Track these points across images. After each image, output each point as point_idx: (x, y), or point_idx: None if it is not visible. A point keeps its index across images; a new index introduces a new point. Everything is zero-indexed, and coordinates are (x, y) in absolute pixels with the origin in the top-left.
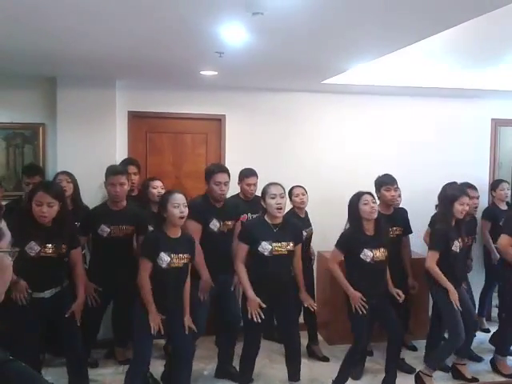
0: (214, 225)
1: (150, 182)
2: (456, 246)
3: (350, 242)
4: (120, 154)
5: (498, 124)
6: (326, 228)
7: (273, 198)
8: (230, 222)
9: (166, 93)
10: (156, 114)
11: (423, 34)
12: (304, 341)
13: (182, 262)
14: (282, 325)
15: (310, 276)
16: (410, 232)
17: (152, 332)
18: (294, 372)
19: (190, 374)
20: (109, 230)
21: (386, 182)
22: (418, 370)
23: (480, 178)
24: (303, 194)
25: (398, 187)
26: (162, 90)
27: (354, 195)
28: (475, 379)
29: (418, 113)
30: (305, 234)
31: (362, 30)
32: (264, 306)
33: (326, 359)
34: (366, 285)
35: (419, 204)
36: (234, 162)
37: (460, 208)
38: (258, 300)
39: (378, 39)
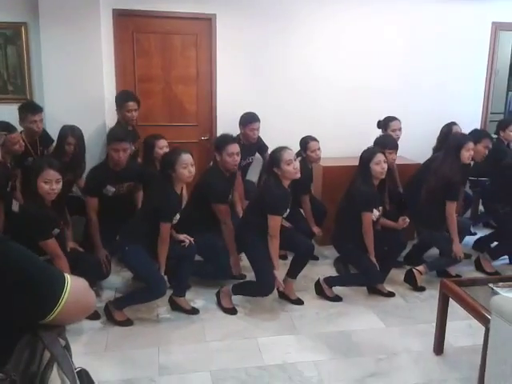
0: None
1: (156, 141)
2: (462, 189)
3: (372, 200)
4: (106, 54)
5: (498, 28)
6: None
7: (289, 164)
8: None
9: None
10: (143, 13)
11: None
12: None
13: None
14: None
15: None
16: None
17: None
18: (296, 270)
19: (190, 271)
20: (114, 189)
21: (390, 146)
22: (410, 267)
23: (476, 85)
24: (319, 149)
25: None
26: None
27: (366, 152)
28: (458, 276)
29: (417, 15)
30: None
31: None
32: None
33: (315, 258)
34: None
35: (416, 109)
36: (226, 65)
37: (467, 154)
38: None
39: None
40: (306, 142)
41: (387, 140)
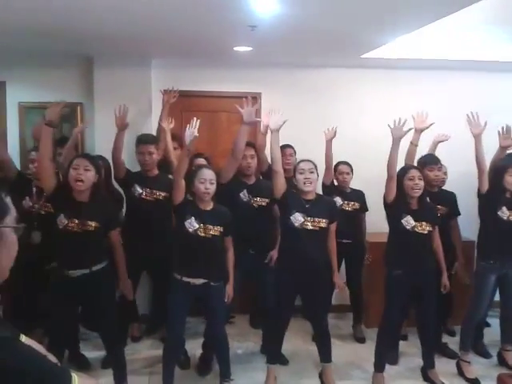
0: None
1: (195, 158)
2: (504, 212)
3: (394, 206)
4: (156, 132)
5: None
6: (371, 207)
7: (301, 174)
8: (259, 199)
9: (202, 71)
10: (191, 93)
11: (463, 3)
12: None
13: (211, 233)
14: (308, 305)
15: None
16: (458, 214)
17: None
18: (324, 353)
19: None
20: (141, 190)
21: (429, 162)
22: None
23: None
24: (347, 174)
25: (441, 166)
26: (198, 68)
27: (402, 168)
28: None
29: (460, 87)
30: (347, 208)
31: None
32: None
33: (361, 340)
34: (406, 256)
35: (463, 185)
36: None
37: (510, 179)
38: None
39: (416, 8)
40: (336, 164)
41: (427, 157)
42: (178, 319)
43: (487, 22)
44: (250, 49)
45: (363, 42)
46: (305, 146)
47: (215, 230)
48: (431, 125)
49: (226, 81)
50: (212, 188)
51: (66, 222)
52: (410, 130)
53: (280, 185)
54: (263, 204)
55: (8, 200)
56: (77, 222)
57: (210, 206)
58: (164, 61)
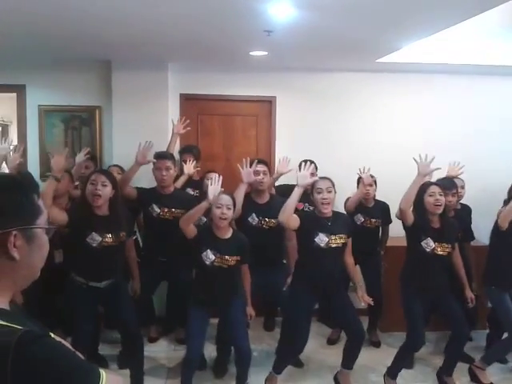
0: (253, 218)
1: (207, 173)
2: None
3: (414, 227)
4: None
5: None
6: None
7: (319, 193)
8: (269, 220)
9: (217, 75)
10: (207, 97)
11: (481, 8)
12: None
13: (228, 263)
14: (342, 316)
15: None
16: (472, 238)
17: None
18: (350, 359)
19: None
20: (158, 210)
21: (443, 187)
22: (470, 364)
23: None
24: (370, 186)
25: (456, 192)
26: (213, 72)
27: (422, 185)
28: None
29: (477, 92)
30: (368, 225)
31: (417, 3)
32: None
33: (377, 345)
34: (422, 276)
35: (480, 196)
36: (285, 145)
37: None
38: None
39: (433, 13)
40: (359, 177)
41: (442, 182)
42: (198, 333)
43: (505, 26)
44: (265, 53)
45: (380, 46)
46: (319, 148)
47: (232, 260)
48: (436, 169)
49: (241, 85)
50: (229, 213)
51: (100, 238)
52: (437, 169)
53: (292, 228)
54: (273, 225)
55: (40, 202)
56: (110, 236)
57: (227, 234)
58: (180, 65)
